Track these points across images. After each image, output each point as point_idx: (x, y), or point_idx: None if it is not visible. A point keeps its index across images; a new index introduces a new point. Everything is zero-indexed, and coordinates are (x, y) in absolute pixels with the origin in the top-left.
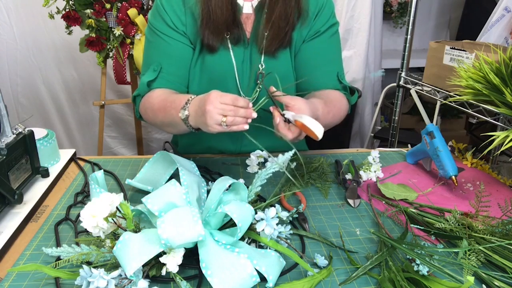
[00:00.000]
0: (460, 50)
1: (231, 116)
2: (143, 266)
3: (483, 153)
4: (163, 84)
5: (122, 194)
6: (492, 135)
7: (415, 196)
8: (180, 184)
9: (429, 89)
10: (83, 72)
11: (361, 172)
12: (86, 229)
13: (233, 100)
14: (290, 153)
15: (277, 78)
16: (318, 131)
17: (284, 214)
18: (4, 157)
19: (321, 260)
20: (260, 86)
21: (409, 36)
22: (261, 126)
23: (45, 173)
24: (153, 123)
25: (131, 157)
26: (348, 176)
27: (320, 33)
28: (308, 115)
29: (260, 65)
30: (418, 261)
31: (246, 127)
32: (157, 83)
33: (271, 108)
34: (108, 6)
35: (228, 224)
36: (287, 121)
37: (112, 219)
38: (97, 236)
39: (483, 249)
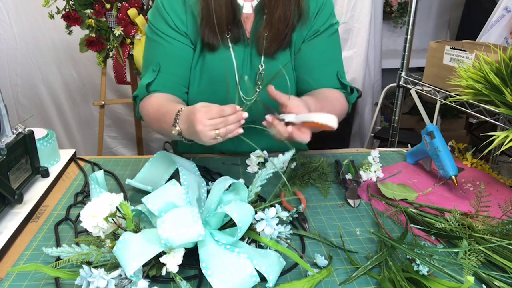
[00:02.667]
0: (460, 50)
1: (223, 128)
2: (143, 266)
3: (483, 153)
4: (162, 85)
5: (122, 194)
6: (492, 135)
7: (415, 196)
8: (180, 184)
9: (429, 89)
10: (83, 72)
11: (361, 172)
12: (86, 229)
13: (219, 112)
14: (290, 153)
15: (286, 78)
16: (333, 123)
17: (284, 214)
18: (4, 157)
19: (321, 260)
20: (260, 87)
21: (409, 36)
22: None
23: (45, 173)
24: (151, 129)
25: (131, 157)
26: (348, 176)
27: (320, 33)
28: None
29: (260, 65)
30: (418, 261)
31: (241, 131)
32: (155, 84)
33: (269, 117)
34: (108, 6)
35: (228, 224)
36: (288, 124)
37: (112, 219)
38: (97, 236)
39: (483, 249)
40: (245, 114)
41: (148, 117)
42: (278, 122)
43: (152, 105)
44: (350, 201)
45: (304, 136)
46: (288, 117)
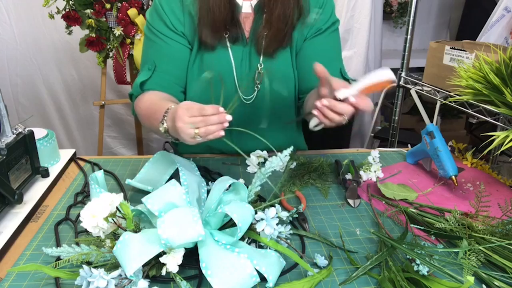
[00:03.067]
0: (460, 50)
1: (203, 127)
2: (143, 266)
3: (483, 153)
4: (156, 84)
5: (122, 194)
6: (492, 135)
7: (415, 196)
8: (180, 184)
9: (429, 89)
10: (83, 72)
11: (361, 172)
12: (86, 229)
13: (200, 110)
14: (288, 150)
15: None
16: (391, 75)
17: (284, 214)
18: (4, 157)
19: (321, 260)
20: (259, 86)
21: (409, 36)
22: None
23: (45, 173)
24: (144, 126)
25: (131, 157)
26: (348, 176)
27: (322, 31)
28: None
29: (258, 65)
30: (418, 261)
31: (222, 133)
32: (149, 83)
33: (324, 101)
34: (108, 6)
35: (228, 224)
36: (341, 101)
37: (112, 219)
38: (97, 236)
39: (483, 249)
40: (229, 117)
41: (141, 114)
42: (335, 102)
43: (144, 102)
44: (350, 201)
45: (367, 103)
46: (343, 93)
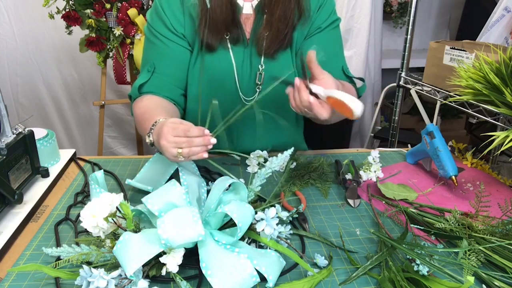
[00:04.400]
0: (460, 50)
1: (186, 148)
2: (143, 266)
3: (483, 153)
4: (155, 87)
5: (122, 194)
6: (492, 135)
7: (415, 196)
8: (180, 184)
9: (429, 89)
10: (83, 72)
11: (361, 172)
12: (86, 229)
13: (185, 131)
14: (289, 151)
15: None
16: (356, 107)
17: (284, 214)
18: (4, 157)
19: (321, 260)
20: (260, 87)
21: (409, 36)
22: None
23: (45, 173)
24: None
25: (131, 157)
26: (348, 176)
27: (321, 29)
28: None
29: (260, 66)
30: (418, 261)
31: (205, 155)
32: (148, 85)
33: (297, 80)
34: (108, 6)
35: (228, 224)
36: (312, 95)
37: (112, 219)
38: (97, 236)
39: (483, 249)
40: (213, 140)
41: (136, 120)
42: (304, 88)
43: (140, 108)
44: (350, 201)
45: (323, 111)
46: (316, 88)
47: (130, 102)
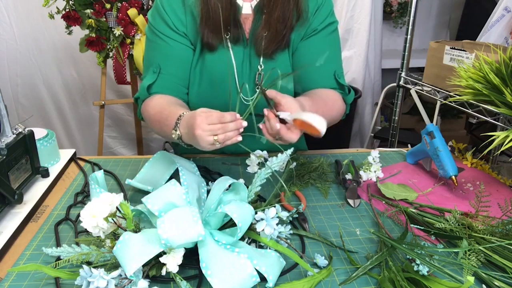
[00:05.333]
0: (460, 50)
1: (222, 134)
2: (143, 266)
3: (483, 153)
4: (162, 87)
5: (122, 194)
6: (492, 135)
7: (415, 196)
8: (180, 184)
9: (429, 89)
10: (83, 72)
11: (361, 172)
12: (86, 229)
13: (220, 118)
14: (289, 152)
15: (279, 76)
16: (321, 126)
17: (284, 214)
18: (4, 157)
19: (321, 260)
20: (259, 87)
21: (409, 36)
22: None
23: (45, 173)
24: (152, 131)
25: (131, 157)
26: (348, 176)
27: (317, 31)
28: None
29: (259, 66)
30: (418, 261)
31: (240, 138)
32: (156, 86)
33: (265, 111)
34: (108, 6)
35: (228, 224)
36: (282, 121)
37: (112, 219)
38: (97, 236)
39: (483, 249)
40: (245, 123)
41: (150, 119)
42: (273, 116)
43: (153, 107)
44: (350, 201)
45: (292, 136)
46: (283, 114)
47: (130, 102)
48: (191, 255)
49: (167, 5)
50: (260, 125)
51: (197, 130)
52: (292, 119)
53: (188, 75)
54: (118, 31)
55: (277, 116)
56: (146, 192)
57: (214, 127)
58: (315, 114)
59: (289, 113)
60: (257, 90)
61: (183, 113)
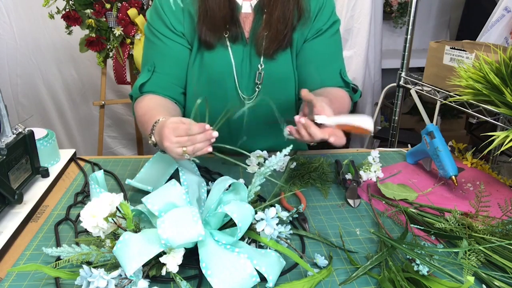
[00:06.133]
0: (460, 50)
1: (190, 146)
2: (143, 266)
3: (483, 153)
4: (156, 86)
5: (122, 194)
6: (492, 135)
7: (415, 196)
8: (180, 184)
9: (429, 89)
10: (83, 72)
11: (361, 172)
12: (86, 229)
13: (186, 130)
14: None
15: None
16: (369, 126)
17: (284, 214)
18: (4, 157)
19: (321, 260)
20: (260, 86)
21: (409, 36)
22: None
23: (45, 173)
24: None
25: (131, 157)
26: (348, 176)
27: (322, 32)
28: (333, 115)
29: (259, 65)
30: (418, 261)
31: (210, 149)
32: (149, 85)
33: (299, 117)
34: (108, 6)
35: (228, 224)
36: (317, 125)
37: (112, 219)
38: (97, 236)
39: (483, 249)
40: (215, 134)
41: (137, 120)
42: (311, 123)
43: (141, 108)
44: (350, 201)
45: (340, 141)
46: (321, 119)
47: (130, 102)
48: (191, 255)
49: (165, 4)
50: (289, 132)
51: (166, 142)
52: (334, 124)
53: (184, 74)
54: (118, 31)
55: (313, 121)
56: (146, 192)
57: (182, 140)
58: (359, 115)
59: (326, 117)
60: (257, 89)
61: (158, 120)
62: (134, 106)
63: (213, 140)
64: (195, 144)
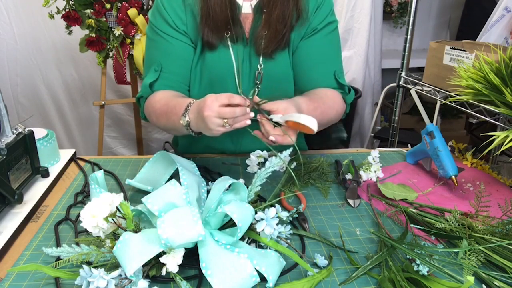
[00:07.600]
0: (460, 50)
1: (230, 119)
2: (143, 266)
3: (483, 153)
4: (165, 85)
5: (122, 194)
6: (492, 135)
7: (415, 196)
8: (180, 184)
9: (429, 89)
10: (83, 72)
11: (361, 172)
12: (86, 229)
13: (229, 98)
14: (288, 151)
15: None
16: (312, 124)
17: (284, 214)
18: (4, 157)
19: (321, 260)
20: (259, 86)
21: (409, 36)
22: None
23: (45, 173)
24: (157, 126)
25: (131, 157)
26: (348, 176)
27: (317, 31)
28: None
29: (258, 65)
30: (418, 261)
31: (249, 122)
32: (158, 84)
33: (259, 117)
34: (108, 6)
35: (228, 224)
36: (277, 124)
37: (112, 219)
38: (97, 236)
39: (483, 249)
40: (252, 114)
41: (155, 113)
42: (266, 121)
43: (159, 101)
44: (350, 201)
45: (287, 139)
46: (275, 117)
47: (130, 102)
48: (191, 255)
49: (167, 3)
50: (256, 132)
51: (207, 111)
52: (283, 121)
53: (189, 73)
54: (118, 31)
55: (270, 120)
56: (146, 192)
57: (223, 110)
58: (303, 114)
59: (281, 115)
60: (257, 89)
61: (193, 100)
62: (147, 103)
63: (252, 114)
64: (235, 116)
